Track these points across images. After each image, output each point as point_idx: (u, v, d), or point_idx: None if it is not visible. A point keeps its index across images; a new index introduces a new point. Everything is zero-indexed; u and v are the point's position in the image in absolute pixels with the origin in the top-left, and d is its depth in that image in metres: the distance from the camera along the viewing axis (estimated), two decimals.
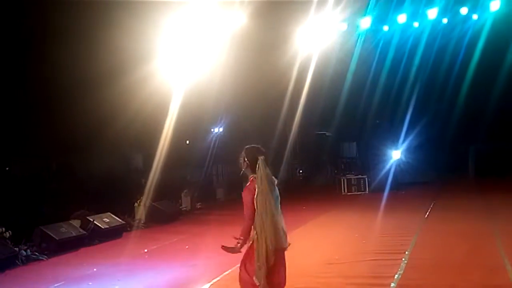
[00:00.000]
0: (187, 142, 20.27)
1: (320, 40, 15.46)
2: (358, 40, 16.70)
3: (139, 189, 13.88)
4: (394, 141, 17.36)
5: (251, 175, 4.61)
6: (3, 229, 8.83)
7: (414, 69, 17.45)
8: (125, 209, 12.27)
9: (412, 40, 16.71)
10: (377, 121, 17.06)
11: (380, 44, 17.01)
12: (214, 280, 6.70)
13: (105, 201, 12.78)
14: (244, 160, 4.67)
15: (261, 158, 4.60)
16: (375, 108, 18.02)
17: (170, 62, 13.21)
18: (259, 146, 4.77)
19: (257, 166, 4.59)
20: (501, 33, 15.11)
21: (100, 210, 11.31)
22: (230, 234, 9.97)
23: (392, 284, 5.91)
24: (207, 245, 9.46)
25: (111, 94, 13.03)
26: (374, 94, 17.62)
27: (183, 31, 12.81)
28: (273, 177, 4.68)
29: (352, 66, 17.19)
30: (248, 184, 4.62)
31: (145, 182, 13.35)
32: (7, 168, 14.65)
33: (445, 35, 16.43)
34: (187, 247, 9.39)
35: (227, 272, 6.96)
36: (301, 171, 21.69)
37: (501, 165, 18.00)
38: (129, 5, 11.83)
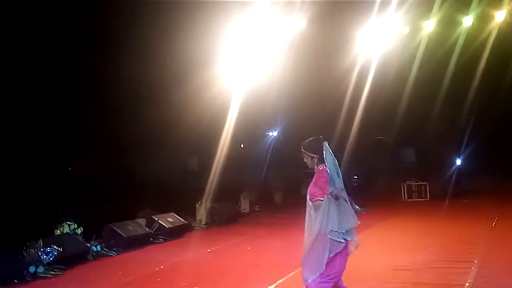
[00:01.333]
0: (242, 145, 20.50)
1: (382, 43, 15.24)
2: (421, 43, 16.32)
3: (196, 191, 14.20)
4: (456, 147, 16.93)
5: (320, 165, 4.79)
6: (76, 225, 9.28)
7: (478, 73, 16.87)
8: (186, 210, 12.55)
9: (478, 43, 16.14)
10: (437, 126, 16.63)
11: (444, 48, 16.55)
12: (279, 281, 6.76)
13: (166, 201, 13.16)
14: (308, 155, 4.82)
15: (325, 143, 4.82)
16: (436, 114, 17.58)
17: (230, 67, 13.43)
18: (316, 137, 4.94)
19: (324, 152, 4.77)
20: None
21: (163, 210, 11.66)
22: (290, 237, 10.10)
23: None
24: (268, 247, 9.63)
25: (173, 100, 13.43)
26: (436, 99, 17.18)
27: (243, 35, 12.96)
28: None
29: (414, 70, 16.85)
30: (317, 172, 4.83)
31: (201, 185, 13.65)
32: (69, 168, 15.32)
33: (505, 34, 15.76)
34: (248, 248, 9.51)
35: (291, 274, 7.01)
36: (355, 177, 21.43)
37: None
38: (191, 10, 12.10)
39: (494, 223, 10.52)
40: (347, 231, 4.74)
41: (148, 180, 16.45)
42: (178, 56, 12.69)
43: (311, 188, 4.92)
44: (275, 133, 21.46)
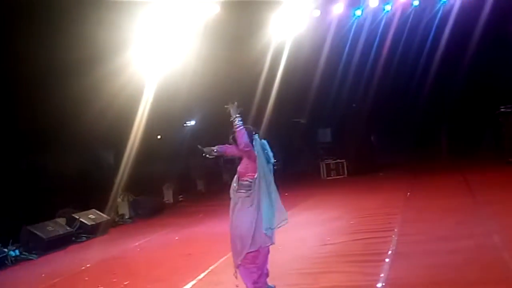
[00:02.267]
0: (159, 136, 20.18)
1: (293, 27, 15.53)
2: (331, 25, 16.82)
3: (115, 186, 13.82)
4: (368, 124, 17.66)
5: None
6: None
7: (385, 53, 17.71)
8: (108, 205, 12.18)
9: (384, 23, 16.93)
10: (354, 105, 17.29)
11: (353, 29, 17.19)
12: (211, 267, 6.78)
13: (86, 198, 12.69)
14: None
15: (255, 136, 5.13)
16: (348, 93, 18.26)
17: (141, 54, 13.08)
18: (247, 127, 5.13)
19: (253, 144, 5.04)
20: (470, 15, 15.47)
21: (83, 207, 11.25)
22: (216, 224, 10.13)
23: (387, 260, 6.07)
24: (197, 235, 9.60)
25: (80, 87, 12.79)
26: (347, 79, 17.83)
27: (156, 21, 12.69)
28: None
29: (325, 51, 17.36)
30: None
31: (120, 179, 13.29)
32: None
33: (415, 17, 16.70)
34: (177, 238, 9.43)
35: (222, 259, 7.04)
36: (274, 160, 21.80)
37: (470, 142, 18.55)
38: None
39: (408, 193, 11.13)
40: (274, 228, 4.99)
41: (63, 177, 15.75)
42: (85, 41, 12.13)
43: (241, 168, 5.02)
44: (193, 122, 21.32)
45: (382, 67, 17.94)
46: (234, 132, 4.99)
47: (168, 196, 14.66)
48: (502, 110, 14.38)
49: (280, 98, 17.98)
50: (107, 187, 14.59)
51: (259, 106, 17.68)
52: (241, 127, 4.93)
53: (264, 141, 5.18)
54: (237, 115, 4.93)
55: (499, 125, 14.54)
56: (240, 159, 5.18)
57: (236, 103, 4.99)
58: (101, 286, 6.47)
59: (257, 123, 18.32)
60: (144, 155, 13.80)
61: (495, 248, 5.90)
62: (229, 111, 4.98)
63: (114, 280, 6.75)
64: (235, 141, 5.06)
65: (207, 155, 5.24)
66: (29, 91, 12.58)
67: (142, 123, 13.58)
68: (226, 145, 5.20)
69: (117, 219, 11.77)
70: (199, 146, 5.24)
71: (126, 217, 12.13)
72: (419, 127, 18.83)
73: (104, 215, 11.07)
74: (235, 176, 5.17)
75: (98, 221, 10.65)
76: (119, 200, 12.39)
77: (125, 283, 6.53)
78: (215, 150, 5.21)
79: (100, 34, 11.78)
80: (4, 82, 11.92)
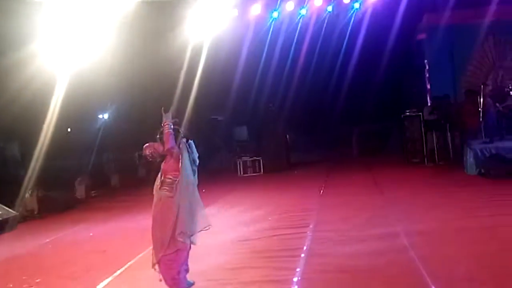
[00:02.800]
0: (69, 129, 19.47)
1: (212, 25, 15.59)
2: (249, 26, 17.07)
3: (22, 180, 13.18)
4: (284, 123, 18.12)
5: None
6: None
7: (302, 55, 18.27)
8: (15, 200, 11.58)
9: (301, 26, 17.45)
10: (270, 105, 17.66)
11: (271, 30, 17.55)
12: (128, 264, 6.70)
13: None
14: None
15: (183, 140, 5.09)
16: (266, 93, 18.61)
17: (53, 46, 12.61)
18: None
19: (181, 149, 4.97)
20: (381, 23, 16.36)
21: None
22: (132, 219, 9.96)
23: (302, 255, 6.32)
24: (112, 231, 9.39)
25: None
26: (266, 79, 18.17)
27: (69, 13, 12.27)
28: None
29: (244, 51, 17.59)
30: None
31: (26, 173, 12.69)
32: None
33: (330, 22, 17.37)
34: (91, 234, 9.18)
35: (140, 256, 6.98)
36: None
37: (378, 144, 19.64)
38: None
39: (321, 191, 11.58)
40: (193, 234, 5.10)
41: None
42: None
43: (164, 165, 5.07)
44: (106, 116, 20.75)
45: (300, 69, 18.51)
46: (162, 133, 5.04)
47: (81, 192, 14.20)
48: (407, 114, 15.38)
49: (200, 95, 17.98)
50: (13, 181, 13.87)
51: (179, 102, 17.56)
52: (170, 131, 5.01)
53: (191, 142, 5.26)
54: (167, 121, 5.09)
55: (404, 128, 15.53)
56: (165, 157, 5.23)
57: (170, 112, 5.17)
58: (11, 284, 6.18)
59: (178, 119, 18.28)
60: (54, 148, 13.27)
61: (400, 243, 6.32)
62: (162, 115, 5.12)
63: (24, 277, 6.47)
64: (161, 141, 5.12)
65: (151, 159, 5.26)
66: None
67: (52, 115, 13.06)
68: (152, 143, 5.25)
69: (25, 214, 11.20)
70: (137, 154, 5.41)
71: (35, 212, 11.59)
72: (332, 128, 19.63)
73: (12, 211, 10.52)
74: (159, 173, 5.19)
75: (5, 217, 10.12)
76: (27, 195, 11.80)
77: (37, 280, 6.29)
78: (149, 153, 5.27)
79: (5, 24, 11.21)
80: None
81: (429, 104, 16.01)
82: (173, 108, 5.25)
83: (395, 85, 18.23)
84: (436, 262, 5.49)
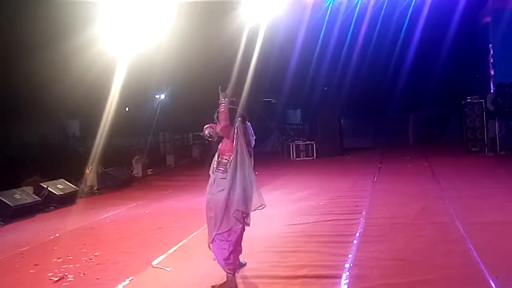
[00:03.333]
0: (127, 109, 19.99)
1: (269, 7, 15.52)
2: (306, 9, 16.87)
3: (82, 156, 13.69)
4: (339, 108, 17.90)
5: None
6: None
7: (360, 39, 17.92)
8: (76, 176, 12.06)
9: (359, 9, 17.09)
10: (325, 88, 17.46)
11: (328, 13, 17.29)
12: (182, 242, 6.85)
13: (53, 168, 12.52)
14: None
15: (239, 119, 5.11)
16: (322, 77, 18.42)
17: (114, 29, 12.95)
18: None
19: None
20: (443, 6, 15.77)
21: (51, 177, 11.10)
22: (187, 199, 10.16)
23: (355, 241, 6.27)
24: (167, 209, 9.61)
25: (48, 60, 12.59)
26: (322, 63, 17.96)
27: None
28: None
29: (301, 35, 17.43)
30: None
31: (86, 150, 13.12)
32: None
33: (390, 5, 16.92)
34: (147, 211, 9.44)
35: (193, 235, 7.14)
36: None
37: (436, 132, 19.09)
38: None
39: (375, 178, 11.41)
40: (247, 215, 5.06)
41: (26, 147, 15.52)
42: (56, 14, 11.89)
43: (221, 146, 5.12)
44: (162, 96, 21.15)
45: (358, 53, 18.17)
46: (218, 112, 5.08)
47: (138, 170, 14.59)
48: (468, 100, 14.82)
49: (255, 78, 18.00)
50: (74, 158, 14.46)
51: (235, 85, 17.67)
52: (223, 109, 5.00)
53: (248, 124, 5.24)
54: (223, 100, 5.04)
55: (465, 116, 15.00)
56: (222, 138, 5.26)
57: (227, 91, 5.09)
58: (70, 256, 6.45)
59: (234, 98, 18.44)
60: (113, 127, 13.69)
61: (458, 233, 6.16)
62: (219, 94, 5.08)
63: (84, 250, 6.74)
64: (218, 121, 5.15)
65: (209, 139, 5.35)
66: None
67: (113, 96, 13.46)
68: (211, 124, 5.29)
69: (85, 190, 11.65)
70: (201, 134, 5.42)
71: (95, 188, 12.03)
72: (389, 114, 19.22)
73: (73, 186, 10.97)
74: (216, 154, 5.23)
75: (67, 191, 10.55)
76: (87, 171, 12.24)
77: (95, 254, 6.53)
78: (208, 133, 5.30)
79: (68, 8, 11.58)
80: None
81: (492, 91, 15.35)
82: (230, 88, 5.20)
83: (457, 71, 17.60)
84: (494, 254, 5.32)
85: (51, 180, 10.77)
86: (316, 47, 17.98)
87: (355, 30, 17.72)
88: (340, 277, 4.99)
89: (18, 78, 13.26)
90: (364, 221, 7.28)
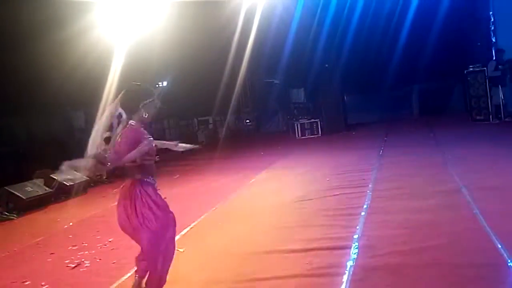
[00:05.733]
0: None
1: None
2: None
3: (86, 147, 13.74)
4: (341, 84, 17.88)
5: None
6: None
7: (357, 13, 17.82)
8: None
9: None
10: (326, 65, 17.42)
11: None
12: (195, 223, 6.97)
13: (62, 159, 12.62)
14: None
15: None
16: (321, 53, 18.33)
17: (110, 16, 12.94)
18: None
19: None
20: None
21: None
22: (193, 181, 10.23)
23: (363, 213, 6.36)
24: (176, 193, 9.73)
25: (45, 48, 12.59)
26: (319, 40, 17.88)
27: None
28: None
29: (297, 11, 17.37)
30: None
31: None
32: None
33: None
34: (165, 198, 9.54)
35: (204, 216, 7.30)
36: (247, 120, 22.06)
37: (440, 102, 19.05)
38: None
39: (381, 151, 11.47)
40: None
41: (33, 139, 15.62)
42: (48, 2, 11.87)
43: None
44: (165, 83, 21.19)
45: (355, 26, 18.04)
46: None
47: None
48: (471, 69, 14.78)
49: (254, 59, 18.03)
50: (81, 149, 14.55)
51: (232, 67, 17.72)
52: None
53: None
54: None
55: (468, 85, 14.97)
56: None
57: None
58: (85, 243, 6.60)
59: (231, 85, 18.49)
60: None
61: (466, 203, 6.23)
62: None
63: (98, 237, 6.89)
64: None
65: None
66: None
67: (113, 84, 13.48)
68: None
69: (95, 179, 11.79)
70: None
71: (104, 177, 12.17)
72: (391, 88, 19.17)
73: (83, 176, 11.10)
74: None
75: (77, 181, 10.68)
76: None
77: (109, 240, 6.67)
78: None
79: None
80: None
81: (494, 58, 15.29)
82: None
83: (457, 40, 17.44)
84: (500, 217, 5.40)
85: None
86: (313, 23, 17.83)
87: (351, 1, 17.59)
88: (350, 248, 5.09)
89: (15, 70, 13.26)
90: (371, 193, 7.37)
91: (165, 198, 4.47)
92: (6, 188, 9.23)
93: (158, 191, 4.35)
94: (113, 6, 12.86)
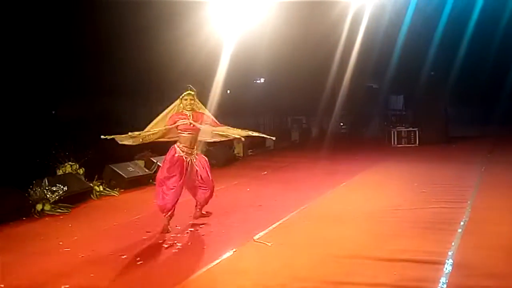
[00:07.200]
0: (228, 91, 20.50)
1: None
2: None
3: None
4: (445, 96, 17.16)
5: None
6: (78, 165, 9.41)
7: (472, 23, 16.93)
8: None
9: None
10: (432, 73, 16.77)
11: None
12: (283, 219, 7.03)
13: (161, 144, 13.25)
14: None
15: None
16: (429, 61, 17.66)
17: (220, 13, 13.30)
18: None
19: None
20: None
21: (161, 152, 11.76)
22: (286, 179, 10.33)
23: (459, 230, 6.08)
24: (267, 189, 9.88)
25: (161, 45, 13.26)
26: (430, 47, 17.21)
27: None
28: None
29: (407, 18, 16.83)
30: None
31: None
32: (53, 112, 15.26)
33: None
34: (248, 189, 9.77)
35: (293, 213, 7.32)
36: (342, 124, 21.81)
37: None
38: None
39: (483, 168, 10.87)
40: None
41: (136, 123, 16.46)
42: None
43: None
44: (262, 80, 21.50)
45: (470, 37, 17.16)
46: None
47: (239, 150, 15.06)
48: None
49: (358, 63, 17.74)
50: None
51: (337, 70, 17.57)
52: None
53: None
54: None
55: None
56: None
57: None
58: (178, 226, 6.89)
59: (334, 87, 18.35)
60: (217, 108, 14.18)
61: None
62: None
63: (190, 222, 7.15)
64: None
65: None
66: (112, 46, 13.31)
67: (218, 79, 13.91)
68: None
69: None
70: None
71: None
72: (501, 102, 18.08)
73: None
74: None
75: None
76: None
77: (201, 225, 6.94)
78: None
79: None
80: (93, 34, 12.75)
81: None
82: None
83: None
84: None
85: (160, 156, 11.42)
86: (425, 31, 17.17)
87: (466, 11, 16.69)
88: (443, 264, 4.89)
89: (132, 60, 14.07)
90: (469, 210, 7.03)
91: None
92: (110, 166, 9.85)
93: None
94: (223, 4, 13.20)
